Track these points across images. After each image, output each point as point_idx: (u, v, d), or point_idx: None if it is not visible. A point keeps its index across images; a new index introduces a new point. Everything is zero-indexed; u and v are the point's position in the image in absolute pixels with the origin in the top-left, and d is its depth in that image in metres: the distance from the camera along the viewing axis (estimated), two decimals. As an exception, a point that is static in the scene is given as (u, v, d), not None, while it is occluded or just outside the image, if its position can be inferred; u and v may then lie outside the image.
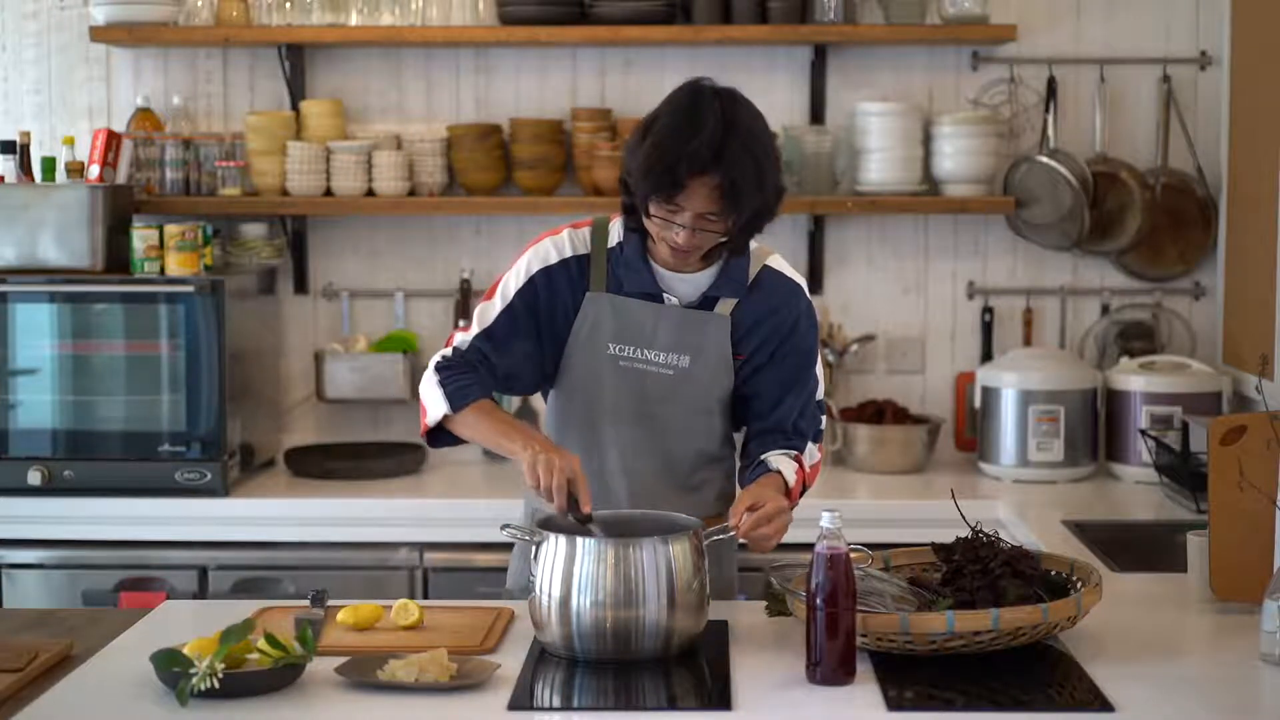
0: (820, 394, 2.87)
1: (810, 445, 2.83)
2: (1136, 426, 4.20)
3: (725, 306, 2.76)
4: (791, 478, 2.75)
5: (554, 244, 2.79)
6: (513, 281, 2.77)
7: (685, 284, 2.76)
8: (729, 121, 2.58)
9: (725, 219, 2.61)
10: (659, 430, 2.78)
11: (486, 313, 2.78)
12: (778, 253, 2.86)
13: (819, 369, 2.86)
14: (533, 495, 2.87)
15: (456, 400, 2.71)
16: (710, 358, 2.76)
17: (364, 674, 2.34)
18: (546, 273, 2.76)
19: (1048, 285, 4.60)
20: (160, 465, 4.03)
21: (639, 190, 2.63)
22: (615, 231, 2.79)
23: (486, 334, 2.77)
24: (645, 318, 2.75)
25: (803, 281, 2.86)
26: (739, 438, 2.91)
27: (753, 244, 2.80)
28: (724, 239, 2.65)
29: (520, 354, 2.77)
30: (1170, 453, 3.93)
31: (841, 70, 4.54)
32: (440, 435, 2.78)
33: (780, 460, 2.77)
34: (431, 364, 2.78)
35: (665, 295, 2.75)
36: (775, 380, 2.80)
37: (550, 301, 2.76)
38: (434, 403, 2.73)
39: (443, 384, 2.73)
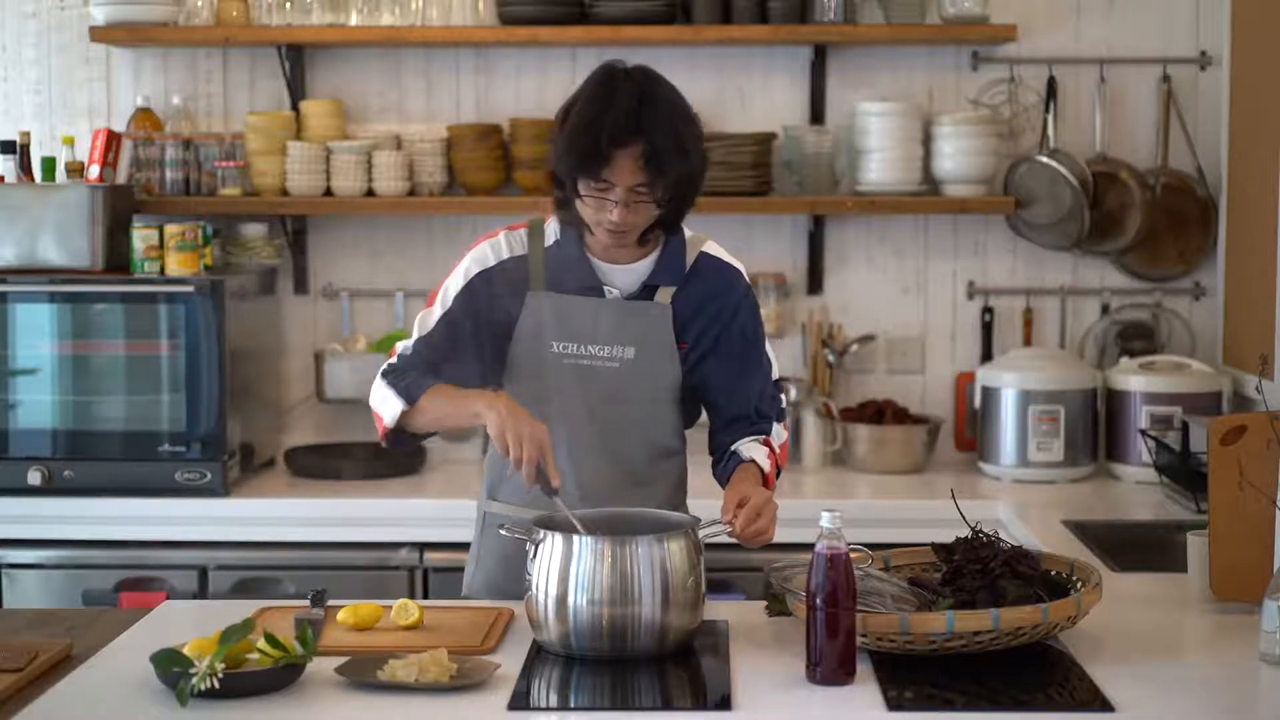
0: (775, 374, 2.88)
1: (775, 426, 2.85)
2: (1136, 426, 4.20)
3: (665, 295, 2.78)
4: (766, 464, 2.77)
5: (491, 247, 2.80)
6: (452, 287, 2.79)
7: (624, 275, 2.77)
8: (645, 93, 2.63)
9: (654, 189, 2.63)
10: (610, 425, 2.77)
11: (426, 320, 2.79)
12: (713, 239, 2.87)
13: (769, 349, 2.87)
14: (486, 499, 2.87)
15: (412, 392, 2.70)
16: (654, 347, 2.77)
17: (364, 674, 2.34)
18: (484, 276, 2.78)
19: (1048, 285, 4.60)
20: (160, 465, 4.03)
21: (564, 171, 2.65)
22: (551, 231, 2.80)
23: (426, 340, 2.78)
24: (586, 312, 2.75)
25: (741, 266, 2.87)
26: (689, 433, 2.92)
27: (688, 231, 2.82)
28: (658, 210, 2.66)
29: (462, 359, 2.78)
30: (1170, 453, 3.93)
31: (841, 70, 4.54)
32: (400, 437, 2.77)
33: (752, 448, 2.78)
34: (378, 374, 2.77)
35: (605, 288, 2.76)
36: (725, 367, 2.82)
37: (490, 305, 2.77)
38: (387, 403, 2.72)
39: (392, 385, 2.72)
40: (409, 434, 2.76)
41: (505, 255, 2.79)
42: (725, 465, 2.81)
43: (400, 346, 2.80)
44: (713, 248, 2.85)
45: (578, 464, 2.76)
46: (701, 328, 2.80)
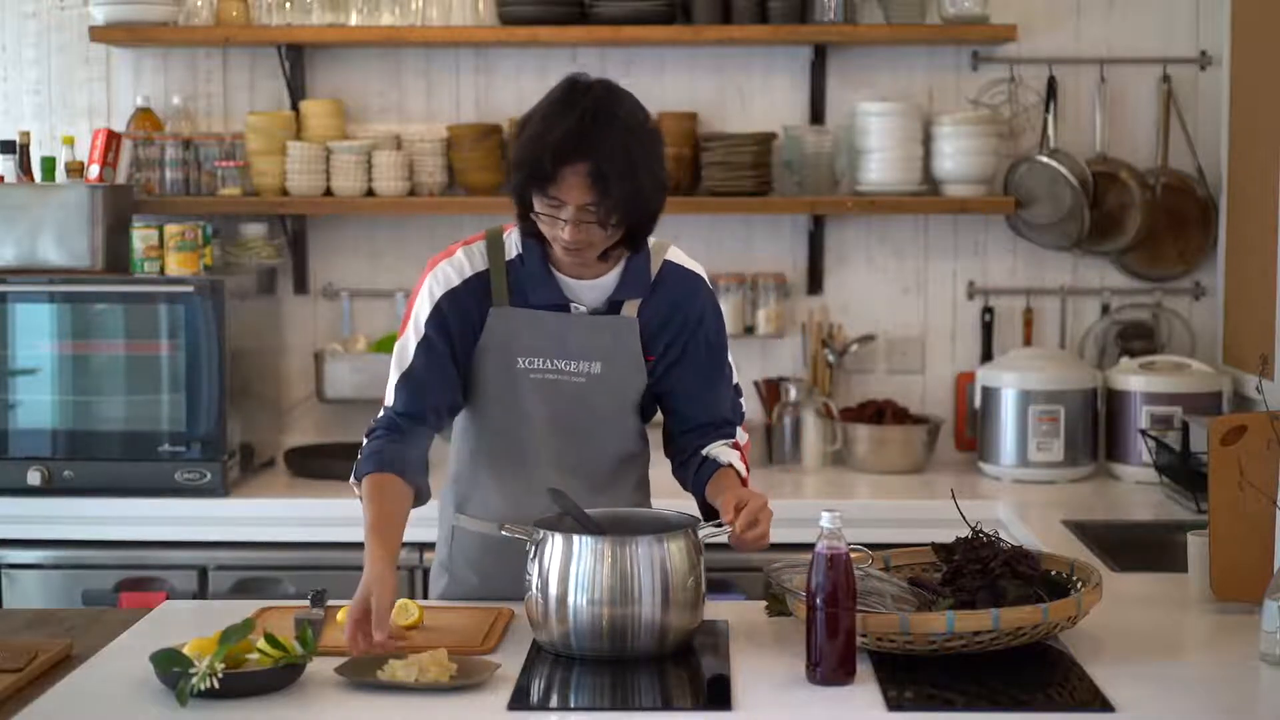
0: (735, 378, 2.86)
1: (738, 430, 2.84)
2: (1136, 426, 4.20)
3: (631, 308, 2.74)
4: (743, 470, 2.77)
5: (452, 266, 2.76)
6: (422, 312, 2.74)
7: (591, 291, 2.73)
8: (599, 111, 2.57)
9: (600, 209, 2.57)
10: (579, 438, 2.76)
11: (404, 351, 2.74)
12: (674, 244, 2.83)
13: (730, 355, 2.85)
14: (451, 512, 2.88)
15: (358, 472, 2.75)
16: (621, 361, 2.74)
17: (364, 674, 2.34)
18: (451, 296, 2.73)
19: (1048, 285, 4.60)
20: (160, 465, 4.03)
21: (516, 185, 2.62)
22: (512, 243, 2.76)
23: (408, 374, 2.73)
24: (553, 328, 2.72)
25: (702, 271, 2.84)
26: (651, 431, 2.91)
27: (650, 238, 2.78)
28: (606, 231, 2.60)
29: (447, 382, 2.74)
30: (1170, 453, 3.93)
31: (841, 70, 4.54)
32: None
33: (727, 453, 2.77)
34: (365, 432, 2.78)
35: (573, 305, 2.73)
36: (693, 376, 2.79)
37: (461, 324, 2.73)
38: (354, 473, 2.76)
39: (360, 456, 2.76)
40: None
41: (469, 273, 2.74)
42: (699, 470, 2.78)
43: (387, 395, 2.76)
44: (675, 254, 2.81)
45: (542, 476, 2.72)
46: (669, 339, 2.77)
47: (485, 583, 2.82)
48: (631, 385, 2.77)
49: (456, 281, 2.74)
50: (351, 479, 2.76)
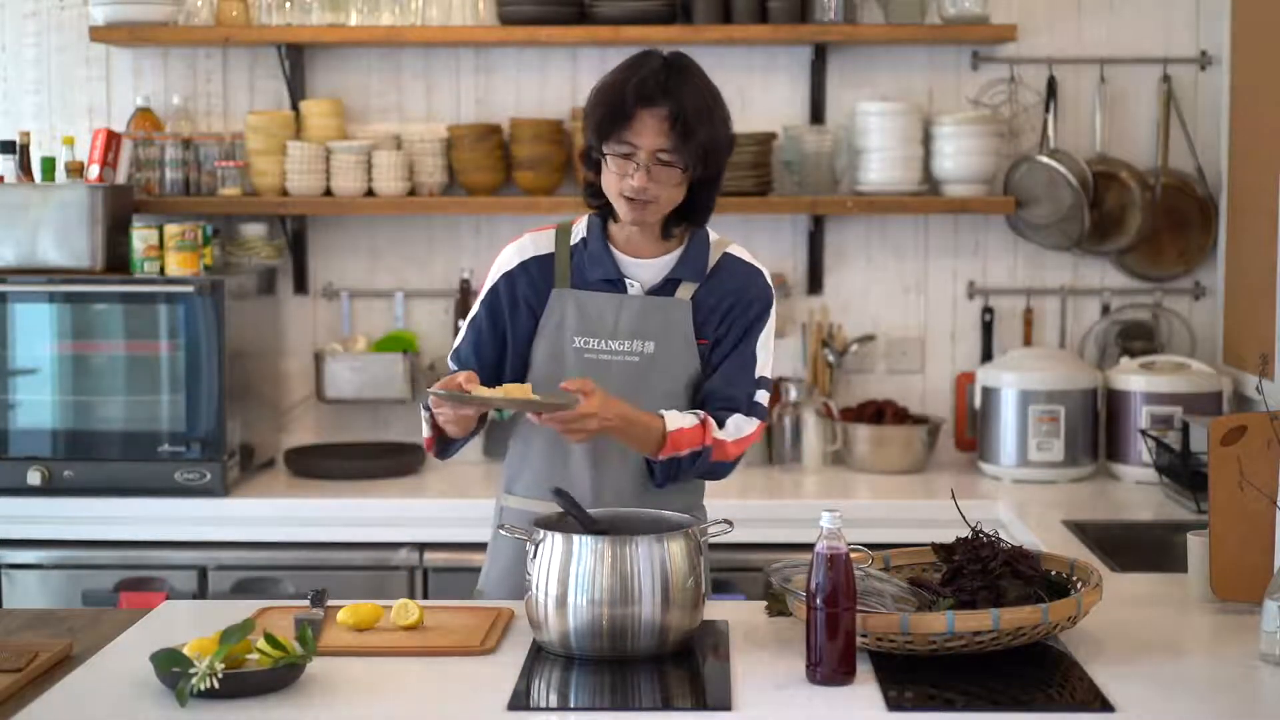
0: (760, 372, 2.83)
1: (735, 415, 2.79)
2: (1136, 426, 4.20)
3: (686, 291, 2.79)
4: (673, 425, 2.71)
5: (516, 248, 2.85)
6: (482, 294, 2.86)
7: (647, 269, 2.79)
8: (674, 64, 2.70)
9: (679, 155, 2.65)
10: None
11: (464, 326, 2.89)
12: (737, 243, 2.88)
13: (763, 348, 2.83)
14: (503, 493, 2.90)
15: (427, 397, 2.74)
16: (673, 341, 2.78)
17: (456, 396, 2.55)
18: (508, 277, 2.83)
19: (1048, 285, 4.60)
20: (160, 465, 4.03)
21: (592, 134, 2.69)
22: (578, 231, 2.84)
23: (455, 353, 2.88)
24: (607, 308, 2.78)
25: (764, 268, 2.88)
26: None
27: (714, 235, 2.84)
28: (682, 174, 2.66)
29: (482, 362, 2.82)
30: (1170, 453, 3.93)
31: (841, 70, 4.54)
32: (444, 445, 2.82)
33: (677, 417, 2.73)
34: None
35: (628, 282, 2.78)
36: (724, 358, 2.82)
37: (513, 304, 2.82)
38: (424, 415, 2.80)
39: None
40: (449, 440, 2.80)
41: (528, 254, 2.83)
42: None
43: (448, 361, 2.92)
44: (737, 249, 2.87)
45: (596, 461, 2.78)
46: (717, 324, 2.81)
47: (516, 565, 2.79)
48: (684, 367, 2.80)
49: (515, 264, 2.83)
50: (424, 412, 2.78)
